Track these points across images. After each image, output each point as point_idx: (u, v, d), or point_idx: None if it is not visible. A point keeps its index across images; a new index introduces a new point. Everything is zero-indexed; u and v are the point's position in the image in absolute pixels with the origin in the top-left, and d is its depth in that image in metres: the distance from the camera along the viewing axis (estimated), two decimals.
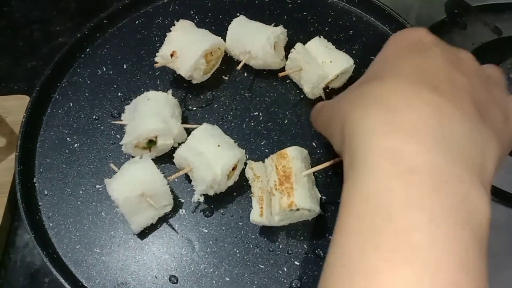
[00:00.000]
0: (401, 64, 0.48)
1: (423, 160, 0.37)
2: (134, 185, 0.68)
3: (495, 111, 0.46)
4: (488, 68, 0.53)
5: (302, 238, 0.72)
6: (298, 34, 0.90)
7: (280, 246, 0.72)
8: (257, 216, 0.69)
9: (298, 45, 0.81)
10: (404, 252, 0.34)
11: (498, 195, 0.81)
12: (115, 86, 0.88)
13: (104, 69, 0.90)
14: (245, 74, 0.89)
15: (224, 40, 0.86)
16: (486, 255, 0.36)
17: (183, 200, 0.76)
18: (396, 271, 0.34)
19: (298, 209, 0.68)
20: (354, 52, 0.89)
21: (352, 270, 0.36)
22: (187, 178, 0.77)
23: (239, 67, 0.83)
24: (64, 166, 0.80)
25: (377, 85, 0.46)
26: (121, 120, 0.79)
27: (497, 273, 0.75)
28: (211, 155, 0.72)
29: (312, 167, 0.74)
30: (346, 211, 0.39)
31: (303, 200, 0.67)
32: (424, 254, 0.34)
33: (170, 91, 0.81)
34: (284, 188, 0.68)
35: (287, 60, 0.84)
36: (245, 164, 0.76)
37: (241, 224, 0.74)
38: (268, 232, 0.73)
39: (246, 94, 0.87)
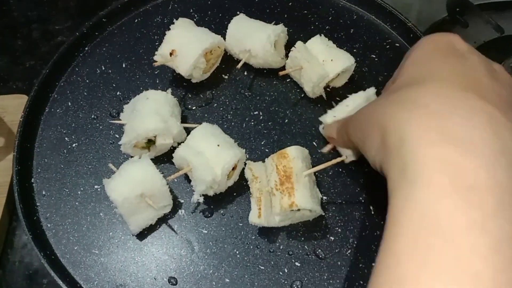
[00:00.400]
0: (439, 67, 0.46)
1: (484, 177, 0.35)
2: (133, 185, 0.67)
3: None
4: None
5: (303, 238, 0.72)
6: (298, 33, 0.90)
7: (281, 247, 0.71)
8: (255, 218, 0.68)
9: (299, 44, 0.80)
10: (465, 281, 0.32)
11: None
12: (114, 85, 0.87)
13: (103, 68, 0.89)
14: (245, 73, 0.88)
15: (224, 38, 0.85)
16: None
17: (182, 201, 0.76)
18: None
19: (299, 210, 0.68)
20: (355, 50, 0.88)
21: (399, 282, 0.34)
22: (187, 178, 0.76)
23: (239, 66, 0.82)
24: (62, 166, 0.79)
25: (419, 90, 0.44)
26: (120, 120, 0.78)
27: None
28: (211, 155, 0.71)
29: (313, 166, 0.73)
30: (398, 231, 0.37)
31: (304, 200, 0.66)
32: (486, 285, 0.32)
33: (169, 90, 0.80)
34: (284, 188, 0.67)
35: (287, 59, 0.83)
36: (245, 164, 0.75)
37: (241, 224, 0.73)
38: (268, 232, 0.72)
39: (246, 93, 0.86)
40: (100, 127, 0.83)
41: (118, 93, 0.86)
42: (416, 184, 0.37)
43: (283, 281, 0.69)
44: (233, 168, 0.74)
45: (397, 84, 0.51)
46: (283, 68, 0.85)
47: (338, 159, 0.70)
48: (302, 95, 0.85)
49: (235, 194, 0.76)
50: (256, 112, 0.84)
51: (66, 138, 0.82)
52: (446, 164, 0.36)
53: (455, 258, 0.33)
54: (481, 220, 0.34)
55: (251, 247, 0.72)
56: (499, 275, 0.32)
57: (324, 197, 0.75)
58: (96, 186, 0.77)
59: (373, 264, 0.69)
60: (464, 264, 0.33)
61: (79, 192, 0.77)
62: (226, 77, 0.88)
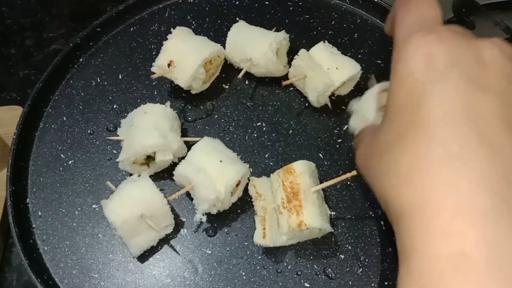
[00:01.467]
0: (417, 116, 0.41)
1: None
2: (133, 206, 0.65)
3: None
4: None
5: (311, 257, 0.69)
6: (300, 39, 0.87)
7: (289, 267, 0.68)
8: (260, 238, 0.66)
9: (302, 52, 0.77)
10: None
11: None
12: (110, 98, 0.84)
13: (98, 80, 0.86)
14: (247, 83, 0.85)
15: (224, 47, 0.82)
16: None
17: (184, 219, 0.73)
18: None
19: (307, 228, 0.65)
20: (359, 56, 0.85)
21: None
22: (188, 195, 0.74)
23: (240, 75, 0.79)
24: (58, 185, 0.77)
25: (412, 151, 0.40)
26: (117, 135, 0.76)
27: None
28: (213, 171, 0.68)
29: (320, 180, 0.70)
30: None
31: (313, 218, 0.63)
32: None
33: (168, 103, 0.77)
34: (292, 206, 0.64)
35: (289, 67, 0.80)
36: (249, 179, 0.72)
37: (246, 243, 0.70)
38: (275, 252, 0.69)
39: (248, 104, 0.83)
40: (97, 142, 0.80)
41: (115, 106, 0.83)
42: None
43: None
44: (237, 184, 0.71)
45: (390, 130, 0.45)
46: (286, 76, 0.82)
47: (348, 174, 0.67)
48: (306, 105, 0.82)
49: (239, 211, 0.73)
50: (259, 123, 0.81)
51: (61, 155, 0.79)
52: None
53: None
54: None
55: (258, 267, 0.69)
56: None
57: (333, 213, 0.72)
58: (94, 206, 0.74)
59: (385, 283, 0.67)
60: None
61: (76, 212, 0.74)
62: (227, 87, 0.85)
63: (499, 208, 0.36)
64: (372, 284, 0.67)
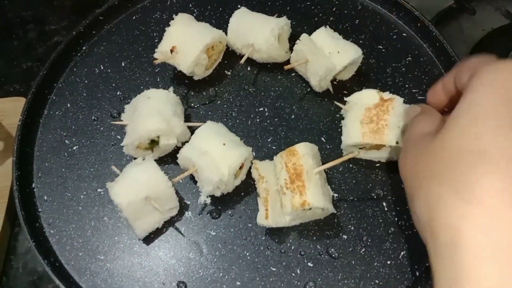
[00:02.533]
0: (501, 139, 0.40)
1: None
2: (138, 188, 0.65)
3: None
4: None
5: (314, 238, 0.69)
6: (302, 25, 0.87)
7: (292, 247, 0.69)
8: (262, 219, 0.66)
9: (304, 36, 0.78)
10: None
11: None
12: (113, 84, 0.85)
13: (102, 68, 0.87)
14: (249, 68, 0.85)
15: (226, 33, 0.83)
16: None
17: (188, 202, 0.73)
18: None
19: (310, 208, 0.65)
20: (361, 42, 0.86)
21: None
22: (192, 179, 0.74)
23: (242, 61, 0.80)
24: (63, 169, 0.77)
25: (472, 172, 0.40)
26: (121, 120, 0.76)
27: None
28: (216, 154, 0.69)
29: (322, 163, 0.71)
30: None
31: (316, 198, 0.64)
32: None
33: (171, 89, 0.77)
34: (295, 186, 0.65)
35: (291, 52, 0.81)
36: (252, 162, 0.73)
37: (250, 225, 0.71)
38: (279, 233, 0.70)
39: (250, 89, 0.83)
40: (101, 128, 0.81)
41: (118, 93, 0.84)
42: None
43: (295, 282, 0.67)
44: (240, 167, 0.72)
45: (447, 141, 0.44)
46: (288, 62, 0.82)
47: (350, 155, 0.68)
48: (308, 90, 0.83)
49: (242, 193, 0.74)
50: (262, 109, 0.81)
51: (66, 141, 0.80)
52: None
53: None
54: None
55: (262, 248, 0.69)
56: None
57: (335, 194, 0.72)
58: (99, 190, 0.75)
59: (388, 262, 0.67)
60: None
61: (81, 196, 0.75)
62: (229, 73, 0.85)
63: None
64: (375, 263, 0.67)
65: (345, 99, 0.76)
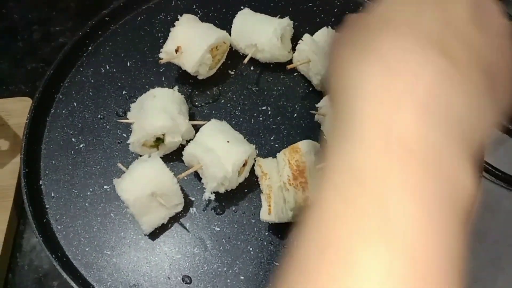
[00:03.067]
0: (413, 9, 0.40)
1: (417, 137, 0.34)
2: (144, 184, 0.67)
3: (505, 76, 0.40)
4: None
5: None
6: (304, 26, 0.89)
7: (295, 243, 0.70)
8: (265, 215, 0.68)
9: (306, 36, 0.80)
10: (387, 238, 0.31)
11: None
12: (119, 84, 0.86)
13: (108, 67, 0.88)
14: (252, 68, 0.87)
15: (229, 34, 0.85)
16: (466, 239, 0.34)
17: (193, 199, 0.75)
18: (376, 257, 0.31)
19: None
20: None
21: (327, 249, 0.32)
22: (197, 176, 0.75)
23: (245, 60, 0.82)
24: (70, 167, 0.79)
25: (381, 37, 0.39)
26: (127, 119, 0.78)
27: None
28: (221, 151, 0.70)
29: None
30: (332, 194, 0.35)
31: None
32: (415, 247, 0.31)
33: (176, 88, 0.79)
34: (298, 183, 0.66)
35: (294, 53, 0.82)
36: (255, 160, 0.74)
37: (253, 221, 0.72)
38: (281, 228, 0.71)
39: (253, 89, 0.85)
40: (107, 126, 0.82)
41: (124, 92, 0.86)
42: (352, 141, 0.35)
43: None
44: (244, 165, 0.73)
45: (368, 19, 0.43)
46: (290, 62, 0.84)
47: None
48: (310, 89, 0.84)
49: (246, 190, 0.75)
50: (264, 107, 0.83)
51: (73, 139, 0.81)
52: (382, 122, 0.35)
53: (383, 220, 0.32)
54: (414, 185, 0.33)
55: (265, 243, 0.71)
56: (426, 239, 0.32)
57: None
58: (105, 187, 0.76)
59: None
60: (392, 227, 0.32)
61: (88, 193, 0.76)
62: (233, 72, 0.87)
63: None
64: None
65: (316, 105, 0.77)
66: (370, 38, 0.40)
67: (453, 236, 0.33)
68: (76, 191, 0.76)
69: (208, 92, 0.85)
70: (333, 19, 0.91)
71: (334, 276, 0.31)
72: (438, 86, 0.35)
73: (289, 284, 0.34)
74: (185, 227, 0.73)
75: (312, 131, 0.80)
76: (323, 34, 0.81)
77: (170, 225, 0.73)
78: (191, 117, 0.81)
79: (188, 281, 0.69)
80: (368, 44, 0.39)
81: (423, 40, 0.37)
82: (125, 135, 0.81)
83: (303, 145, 0.69)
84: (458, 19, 0.39)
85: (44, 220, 0.74)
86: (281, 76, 0.86)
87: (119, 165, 0.74)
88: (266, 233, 0.71)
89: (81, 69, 0.88)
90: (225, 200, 0.74)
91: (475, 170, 0.35)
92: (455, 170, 0.34)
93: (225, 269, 0.69)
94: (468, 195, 0.34)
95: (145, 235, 0.72)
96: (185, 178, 0.74)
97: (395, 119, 0.34)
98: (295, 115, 0.82)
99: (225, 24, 0.87)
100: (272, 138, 0.80)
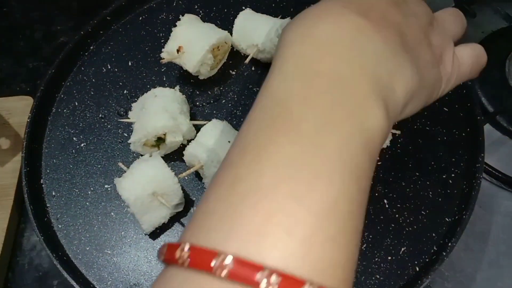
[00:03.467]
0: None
1: (326, 66, 0.39)
2: (145, 183, 0.67)
3: (425, 51, 0.46)
4: (443, 14, 0.52)
5: None
6: None
7: None
8: None
9: None
10: (292, 135, 0.35)
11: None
12: (120, 83, 0.86)
13: (109, 67, 0.88)
14: (253, 69, 0.87)
15: (231, 34, 0.85)
16: (370, 170, 0.38)
17: (194, 198, 0.75)
18: (281, 147, 0.35)
19: None
20: None
21: (244, 147, 0.37)
22: (198, 175, 0.76)
23: (247, 61, 0.82)
24: (71, 166, 0.79)
25: (313, 6, 0.45)
26: (128, 118, 0.78)
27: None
28: (222, 151, 0.70)
29: None
30: (253, 106, 0.41)
31: None
32: (307, 139, 0.35)
33: (177, 87, 0.79)
34: None
35: None
36: None
37: None
38: None
39: (254, 89, 0.85)
40: (108, 126, 0.82)
41: (125, 91, 0.86)
42: (273, 73, 0.41)
43: None
44: None
45: None
46: None
47: None
48: None
49: None
50: None
51: (74, 138, 0.81)
52: (298, 57, 0.40)
53: (287, 120, 0.36)
54: (314, 95, 0.37)
55: None
56: (319, 131, 0.36)
57: None
58: (106, 186, 0.77)
59: (388, 258, 0.69)
60: (294, 125, 0.36)
61: (89, 192, 0.76)
62: (234, 73, 0.87)
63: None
64: (376, 259, 0.69)
65: None
66: (306, 10, 0.45)
67: (347, 141, 0.36)
68: (76, 190, 0.77)
69: (209, 92, 0.85)
70: None
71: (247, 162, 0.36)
72: (354, 35, 0.40)
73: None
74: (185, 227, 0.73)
75: None
76: None
77: (170, 224, 0.73)
78: (192, 117, 0.81)
79: None
80: (304, 13, 0.45)
81: (347, 6, 0.42)
82: (126, 135, 0.81)
83: None
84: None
85: (45, 219, 0.74)
86: None
87: (120, 164, 0.74)
88: None
89: (83, 69, 0.89)
90: None
91: (387, 110, 0.39)
92: (361, 97, 0.38)
93: None
94: (371, 125, 0.38)
95: (145, 234, 0.72)
96: (186, 177, 0.74)
97: (311, 55, 0.40)
98: None
99: (227, 24, 0.87)
100: None
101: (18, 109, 0.92)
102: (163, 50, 0.81)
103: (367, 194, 0.37)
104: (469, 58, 0.52)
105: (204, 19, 0.87)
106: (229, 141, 0.71)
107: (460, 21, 0.53)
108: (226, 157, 0.39)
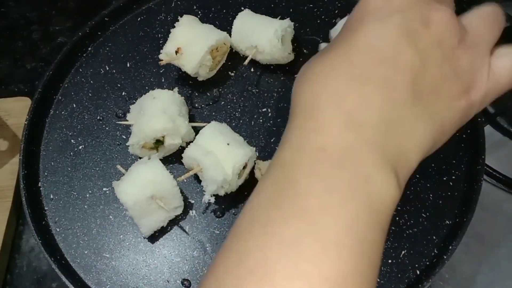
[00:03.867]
0: (349, 38, 0.42)
1: (332, 140, 0.38)
2: (144, 187, 0.66)
3: (449, 86, 0.42)
4: (476, 20, 0.45)
5: None
6: (305, 27, 0.88)
7: None
8: None
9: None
10: (299, 211, 0.36)
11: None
12: (118, 85, 0.86)
13: (107, 68, 0.88)
14: (252, 70, 0.86)
15: (230, 35, 0.84)
16: (381, 242, 0.37)
17: (193, 201, 0.75)
18: (288, 223, 0.35)
19: None
20: None
21: (253, 219, 0.38)
22: (197, 178, 0.75)
23: (245, 62, 0.81)
24: (69, 169, 0.78)
25: (318, 62, 0.43)
26: (127, 120, 0.77)
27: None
28: (220, 154, 0.70)
29: None
30: (264, 175, 0.41)
31: None
32: (315, 215, 0.35)
33: (176, 89, 0.78)
34: None
35: (294, 54, 0.82)
36: (255, 162, 0.74)
37: None
38: None
39: (253, 90, 0.84)
40: (107, 128, 0.82)
41: (123, 93, 0.85)
42: (282, 145, 0.42)
43: None
44: (244, 167, 0.73)
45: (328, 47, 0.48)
46: (291, 63, 0.84)
47: None
48: None
49: (246, 193, 0.74)
50: (265, 109, 0.82)
51: (72, 141, 0.81)
52: (305, 131, 0.41)
53: (294, 196, 0.37)
54: (321, 170, 0.38)
55: None
56: (325, 209, 0.36)
57: None
58: (104, 189, 0.76)
59: (389, 261, 0.68)
60: (300, 201, 0.36)
61: (87, 195, 0.76)
62: (233, 74, 0.86)
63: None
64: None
65: None
66: (312, 65, 0.44)
67: (355, 216, 0.35)
68: (75, 193, 0.76)
69: (208, 94, 0.85)
70: (333, 21, 0.90)
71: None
72: (358, 104, 0.39)
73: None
74: (184, 230, 0.72)
75: None
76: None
77: (169, 228, 0.72)
78: (191, 118, 0.80)
79: (188, 284, 0.69)
80: (309, 71, 0.44)
81: (349, 71, 0.41)
82: (124, 137, 0.80)
83: None
84: (385, 43, 0.42)
85: (43, 223, 0.73)
86: (282, 78, 0.85)
87: (119, 167, 0.73)
88: None
89: (81, 70, 0.88)
90: (225, 203, 0.74)
91: (398, 179, 0.38)
92: (368, 170, 0.37)
93: None
94: (380, 197, 0.37)
95: (144, 238, 0.72)
96: (185, 180, 0.74)
97: (316, 129, 0.39)
98: None
99: (226, 25, 0.86)
100: (272, 141, 0.79)
101: (16, 110, 0.92)
102: (161, 51, 0.81)
103: (378, 267, 0.36)
104: (509, 69, 0.45)
105: (202, 20, 0.86)
106: (228, 144, 0.71)
107: (498, 24, 0.46)
108: (235, 225, 0.39)
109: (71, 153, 0.80)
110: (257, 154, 0.76)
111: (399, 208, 0.72)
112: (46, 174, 0.78)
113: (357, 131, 0.38)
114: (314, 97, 0.40)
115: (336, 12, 0.91)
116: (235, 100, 0.84)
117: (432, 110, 0.41)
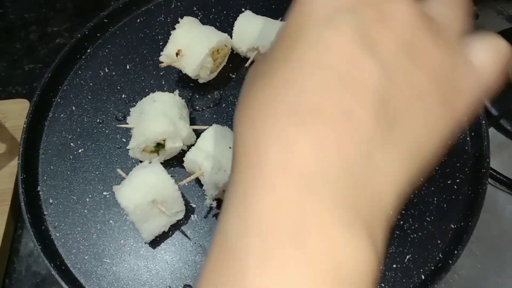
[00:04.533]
0: (290, 54, 0.34)
1: (283, 202, 0.30)
2: (145, 191, 0.65)
3: (425, 99, 0.33)
4: (438, 6, 0.36)
5: None
6: None
7: None
8: None
9: None
10: None
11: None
12: (118, 87, 0.85)
13: (107, 70, 0.87)
14: None
15: (231, 36, 0.83)
16: None
17: (194, 205, 0.74)
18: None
19: None
20: None
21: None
22: (198, 182, 0.74)
23: (247, 64, 0.81)
24: (69, 173, 0.77)
25: (258, 89, 0.35)
26: (127, 123, 0.76)
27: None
28: (222, 157, 0.69)
29: None
30: (209, 251, 0.33)
31: None
32: None
33: (176, 92, 0.78)
34: None
35: None
36: None
37: None
38: None
39: None
40: (107, 131, 0.81)
41: (123, 95, 0.84)
42: (222, 214, 0.34)
43: None
44: None
45: (266, 60, 0.38)
46: None
47: None
48: None
49: None
50: None
51: (71, 144, 0.80)
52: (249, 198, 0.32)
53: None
54: (276, 252, 0.30)
55: None
56: None
57: None
58: (104, 193, 0.75)
59: (393, 265, 0.68)
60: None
61: (87, 200, 0.75)
62: (234, 76, 0.86)
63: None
64: (381, 267, 0.68)
65: None
66: (252, 98, 0.36)
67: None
68: (74, 198, 0.75)
69: (209, 96, 0.84)
70: None
71: None
72: (314, 157, 0.31)
73: None
74: (186, 235, 0.71)
75: None
76: None
77: (171, 232, 0.71)
78: (192, 121, 0.80)
79: None
80: (248, 107, 0.35)
81: (296, 108, 0.32)
82: (124, 140, 0.80)
83: None
84: (336, 57, 0.33)
85: (42, 227, 0.72)
86: None
87: (119, 171, 0.73)
88: None
89: (80, 72, 0.87)
90: None
91: (368, 239, 0.30)
92: (332, 237, 0.29)
93: None
94: (355, 266, 0.29)
95: (145, 243, 0.71)
96: (186, 184, 0.73)
97: (262, 195, 0.31)
98: None
99: (226, 27, 0.86)
100: None
101: (14, 112, 0.91)
102: (161, 53, 0.80)
103: None
104: (491, 64, 0.36)
105: (203, 22, 0.85)
106: (230, 147, 0.70)
107: (462, 8, 0.38)
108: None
109: (71, 157, 0.79)
110: None
111: (403, 212, 0.71)
112: (45, 178, 0.77)
113: (313, 190, 0.30)
114: (256, 142, 0.32)
115: None
116: (236, 103, 0.82)
117: (408, 135, 0.33)
